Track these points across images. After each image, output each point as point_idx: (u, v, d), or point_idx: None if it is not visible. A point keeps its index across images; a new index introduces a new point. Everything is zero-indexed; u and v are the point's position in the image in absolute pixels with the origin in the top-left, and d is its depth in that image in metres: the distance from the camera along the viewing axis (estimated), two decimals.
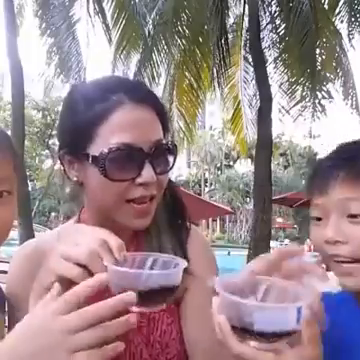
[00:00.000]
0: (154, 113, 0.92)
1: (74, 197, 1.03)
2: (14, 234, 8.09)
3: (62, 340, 0.63)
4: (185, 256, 0.95)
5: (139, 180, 0.88)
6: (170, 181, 1.00)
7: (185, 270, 0.80)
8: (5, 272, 1.15)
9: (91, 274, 0.72)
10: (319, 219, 0.88)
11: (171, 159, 0.94)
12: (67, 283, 0.73)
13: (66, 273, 0.74)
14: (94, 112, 0.89)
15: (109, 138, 0.87)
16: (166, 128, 0.95)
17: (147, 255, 0.79)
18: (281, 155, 50.78)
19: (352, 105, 9.33)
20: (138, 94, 0.91)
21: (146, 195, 0.90)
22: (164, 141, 0.92)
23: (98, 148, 0.88)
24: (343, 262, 0.83)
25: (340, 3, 8.85)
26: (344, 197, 0.83)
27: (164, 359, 0.94)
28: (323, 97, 8.48)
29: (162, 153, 0.91)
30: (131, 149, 0.87)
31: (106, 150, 0.86)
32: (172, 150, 0.94)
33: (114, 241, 0.76)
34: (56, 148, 1.01)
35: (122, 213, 0.91)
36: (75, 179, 0.95)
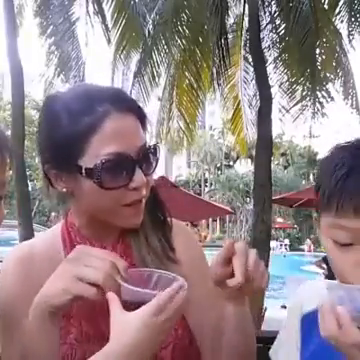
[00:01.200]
0: (137, 119, 0.96)
1: (63, 201, 1.06)
2: (14, 234, 8.08)
3: (162, 326, 0.77)
4: (171, 249, 1.03)
5: (132, 185, 0.93)
6: None
7: (174, 260, 0.99)
8: None
9: (103, 293, 0.82)
10: (349, 244, 0.77)
11: (154, 160, 0.99)
12: (77, 301, 0.86)
13: (84, 293, 0.83)
14: (83, 124, 0.91)
15: (100, 149, 0.91)
16: (145, 128, 1.00)
17: (148, 271, 0.89)
18: (281, 155, 50.79)
19: (352, 105, 9.31)
20: (123, 104, 0.95)
21: (139, 198, 0.96)
22: (147, 145, 0.97)
23: (90, 159, 0.91)
24: None
25: (340, 3, 8.83)
26: None
27: (159, 348, 0.92)
28: (323, 97, 8.47)
29: (148, 156, 0.97)
30: (122, 157, 0.91)
31: (99, 161, 0.90)
32: (155, 151, 0.99)
33: (121, 262, 0.86)
34: None
35: (116, 216, 0.97)
36: (64, 190, 0.97)
